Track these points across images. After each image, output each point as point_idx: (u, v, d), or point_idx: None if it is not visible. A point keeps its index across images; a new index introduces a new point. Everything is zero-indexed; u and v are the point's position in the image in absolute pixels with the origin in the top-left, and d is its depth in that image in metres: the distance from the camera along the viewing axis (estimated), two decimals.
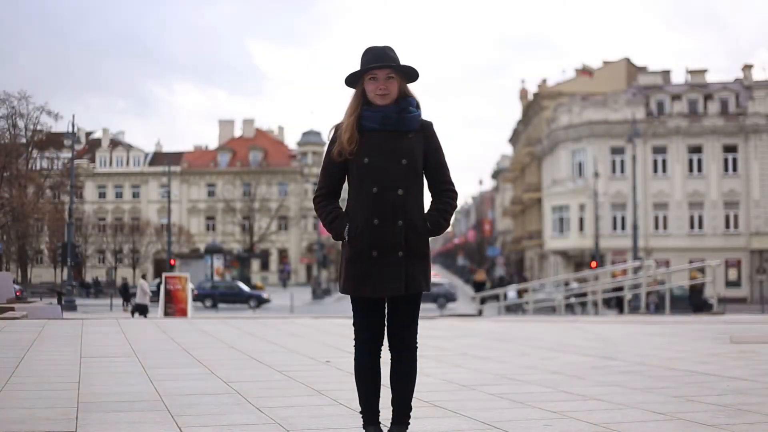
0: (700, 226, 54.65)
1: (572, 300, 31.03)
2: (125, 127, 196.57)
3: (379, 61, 3.83)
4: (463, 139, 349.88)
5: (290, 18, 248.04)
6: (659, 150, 55.10)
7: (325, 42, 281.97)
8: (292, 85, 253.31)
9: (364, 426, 3.95)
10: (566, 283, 32.12)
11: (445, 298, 44.03)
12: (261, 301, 44.65)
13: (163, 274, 23.87)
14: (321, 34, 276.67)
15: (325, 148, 4.01)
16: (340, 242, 3.94)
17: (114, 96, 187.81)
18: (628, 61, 66.74)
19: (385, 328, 3.95)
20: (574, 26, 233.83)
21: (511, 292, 40.13)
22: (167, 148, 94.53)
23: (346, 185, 4.00)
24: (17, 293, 27.38)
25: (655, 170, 55.05)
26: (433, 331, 12.11)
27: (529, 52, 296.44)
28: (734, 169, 54.50)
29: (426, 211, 3.93)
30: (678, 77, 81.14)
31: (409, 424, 3.97)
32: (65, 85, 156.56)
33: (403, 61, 3.91)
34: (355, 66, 3.94)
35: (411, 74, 3.92)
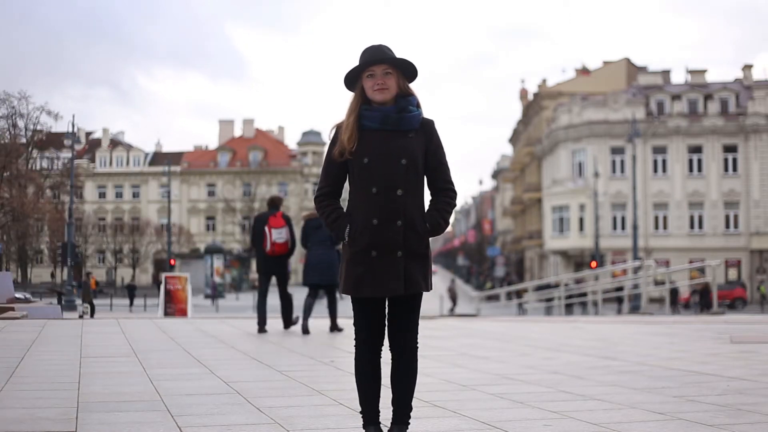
0: (700, 226, 54.66)
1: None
2: (115, 119, 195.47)
3: (375, 57, 3.84)
4: (461, 136, 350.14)
5: (286, 12, 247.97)
6: (659, 150, 55.13)
7: (325, 39, 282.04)
8: (291, 83, 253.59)
9: (364, 426, 3.95)
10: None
11: None
12: None
13: (163, 274, 23.87)
14: (314, 29, 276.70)
15: (326, 148, 4.01)
16: (341, 242, 3.95)
17: (98, 86, 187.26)
18: (628, 61, 66.81)
19: (386, 328, 3.95)
20: (573, 21, 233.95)
21: None
22: (167, 148, 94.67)
23: (347, 185, 3.99)
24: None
25: (655, 170, 55.08)
26: (433, 331, 12.11)
27: (528, 48, 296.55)
28: (734, 169, 54.52)
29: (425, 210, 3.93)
30: (678, 77, 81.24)
31: (409, 424, 3.97)
32: (42, 73, 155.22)
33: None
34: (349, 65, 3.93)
35: (408, 69, 3.91)
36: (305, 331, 11.10)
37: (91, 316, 26.14)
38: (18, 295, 27.10)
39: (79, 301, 31.41)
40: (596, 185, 50.58)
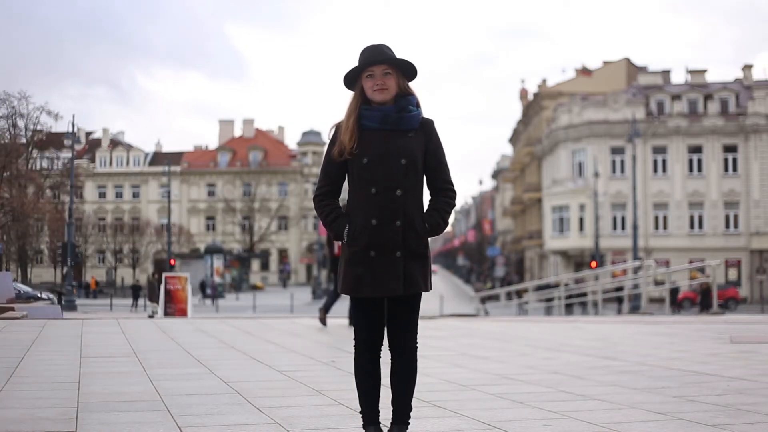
0: (700, 226, 54.66)
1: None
2: (115, 119, 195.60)
3: (374, 57, 3.83)
4: (461, 136, 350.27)
5: (286, 12, 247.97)
6: (659, 150, 55.13)
7: (325, 39, 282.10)
8: (291, 83, 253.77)
9: (364, 426, 3.94)
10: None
11: None
12: None
13: (164, 274, 23.86)
14: (314, 29, 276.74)
15: (326, 148, 4.00)
16: (340, 242, 3.94)
17: (98, 86, 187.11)
18: (628, 61, 66.83)
19: (385, 328, 3.95)
20: (573, 21, 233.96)
21: None
22: (167, 148, 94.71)
23: (346, 184, 3.99)
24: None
25: (655, 170, 55.08)
26: (433, 331, 12.10)
27: (528, 48, 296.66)
28: (734, 169, 54.52)
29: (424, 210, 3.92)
30: (678, 77, 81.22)
31: (409, 424, 3.97)
32: (41, 73, 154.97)
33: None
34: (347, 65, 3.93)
35: (408, 69, 3.90)
36: None
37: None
38: (42, 295, 27.08)
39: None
40: (596, 185, 50.58)
